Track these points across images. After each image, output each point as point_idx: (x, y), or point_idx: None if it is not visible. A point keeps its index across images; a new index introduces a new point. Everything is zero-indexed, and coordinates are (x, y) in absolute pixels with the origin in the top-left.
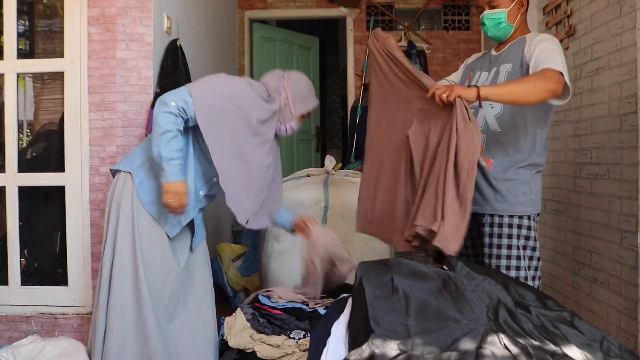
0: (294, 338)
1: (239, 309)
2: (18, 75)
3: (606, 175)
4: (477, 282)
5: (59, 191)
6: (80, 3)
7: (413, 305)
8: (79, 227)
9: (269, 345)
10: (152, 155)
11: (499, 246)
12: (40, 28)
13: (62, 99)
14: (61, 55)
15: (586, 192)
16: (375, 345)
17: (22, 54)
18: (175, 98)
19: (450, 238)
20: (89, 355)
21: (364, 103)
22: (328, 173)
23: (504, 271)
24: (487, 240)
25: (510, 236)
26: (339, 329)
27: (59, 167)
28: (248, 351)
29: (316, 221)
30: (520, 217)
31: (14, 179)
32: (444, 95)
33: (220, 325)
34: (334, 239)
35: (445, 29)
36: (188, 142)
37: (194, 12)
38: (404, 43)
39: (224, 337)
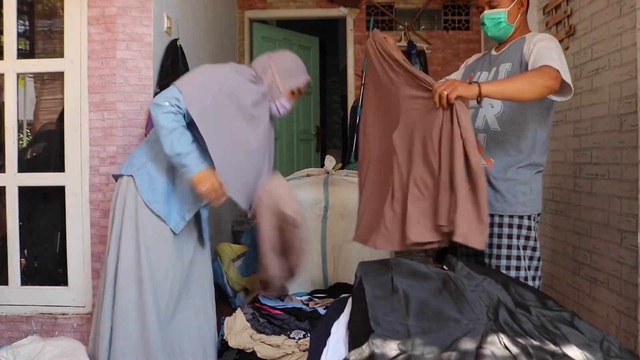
0: (294, 338)
1: (239, 309)
2: (18, 75)
3: (606, 175)
4: (477, 282)
5: (59, 191)
6: (80, 3)
7: (413, 305)
8: (79, 227)
9: (269, 345)
10: (154, 156)
11: (499, 246)
12: (40, 28)
13: (62, 99)
14: (61, 55)
15: (586, 192)
16: (375, 345)
17: (22, 54)
18: (167, 98)
19: (473, 232)
20: (90, 356)
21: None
22: (328, 173)
23: (504, 271)
24: (487, 240)
25: (510, 236)
26: (339, 329)
27: (59, 167)
28: (248, 351)
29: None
30: (521, 217)
31: (14, 179)
32: (445, 94)
33: (220, 325)
34: (284, 193)
35: (445, 29)
36: None
37: (194, 12)
38: (404, 43)
39: (224, 337)
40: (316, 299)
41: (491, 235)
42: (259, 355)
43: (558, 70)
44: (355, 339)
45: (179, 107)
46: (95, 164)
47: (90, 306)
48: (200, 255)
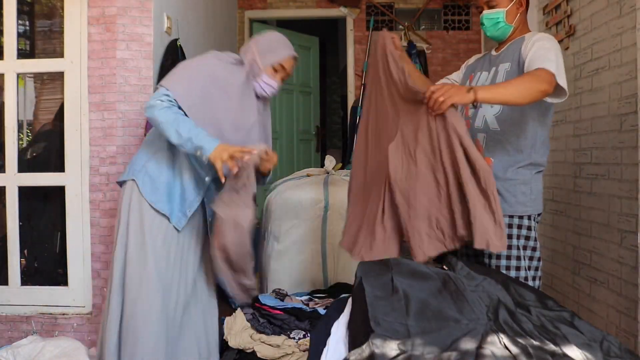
0: (294, 338)
1: (239, 309)
2: (18, 75)
3: (606, 175)
4: (477, 282)
5: (59, 191)
6: (80, 3)
7: (413, 305)
8: (79, 227)
9: (269, 345)
10: (152, 156)
11: None
12: (40, 28)
13: (60, 98)
14: (61, 55)
15: (586, 192)
16: (375, 345)
17: (22, 54)
18: (157, 97)
19: (492, 237)
20: (99, 357)
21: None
22: (328, 173)
23: (504, 271)
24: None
25: (510, 236)
26: (339, 329)
27: (59, 167)
28: (248, 351)
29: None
30: (521, 217)
31: (14, 179)
32: (440, 100)
33: (220, 325)
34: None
35: (445, 29)
36: None
37: (194, 12)
38: (404, 43)
39: (224, 337)
40: (316, 299)
41: None
42: (259, 355)
43: (553, 73)
44: (355, 339)
45: (170, 101)
46: (95, 164)
47: (91, 306)
48: (206, 255)
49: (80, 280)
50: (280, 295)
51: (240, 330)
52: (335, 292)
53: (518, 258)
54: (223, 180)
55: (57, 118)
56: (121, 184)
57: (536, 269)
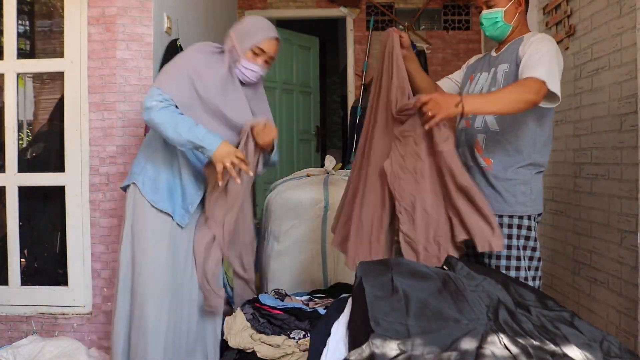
0: (294, 338)
1: (238, 309)
2: (18, 75)
3: (606, 175)
4: (477, 282)
5: (59, 191)
6: (80, 3)
7: (413, 305)
8: (79, 227)
9: (269, 345)
10: (151, 156)
11: None
12: (40, 28)
13: (56, 98)
14: (61, 55)
15: (586, 192)
16: (375, 345)
17: (22, 54)
18: (152, 99)
19: (491, 238)
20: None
21: (364, 103)
22: (328, 173)
23: (504, 271)
24: None
25: (510, 236)
26: (339, 329)
27: (59, 167)
28: (248, 351)
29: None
30: (520, 217)
31: (14, 179)
32: (429, 115)
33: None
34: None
35: (445, 29)
36: None
37: (194, 12)
38: None
39: (224, 337)
40: (316, 299)
41: None
42: (259, 355)
43: (543, 81)
44: (355, 339)
45: (166, 100)
46: (95, 164)
47: (91, 306)
48: None
49: (80, 280)
50: (279, 295)
51: (240, 330)
52: (335, 292)
53: (518, 258)
54: (220, 183)
55: (52, 118)
56: (125, 189)
57: (536, 269)
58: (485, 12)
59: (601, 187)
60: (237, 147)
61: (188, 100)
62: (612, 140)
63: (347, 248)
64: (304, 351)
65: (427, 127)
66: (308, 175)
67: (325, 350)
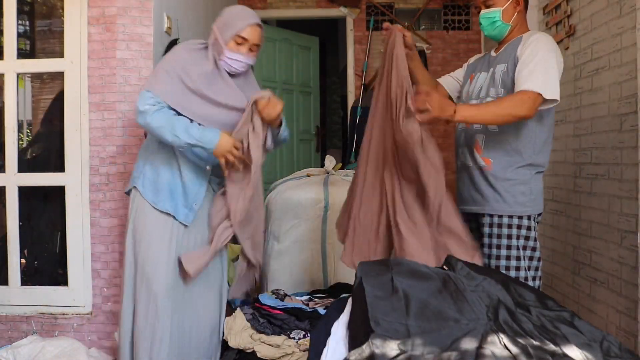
0: (294, 338)
1: (238, 309)
2: (18, 75)
3: (606, 175)
4: (477, 282)
5: (59, 191)
6: (80, 3)
7: (413, 305)
8: (79, 227)
9: (269, 345)
10: (149, 158)
11: (499, 246)
12: (40, 28)
13: (51, 98)
14: (61, 55)
15: (586, 192)
16: (375, 345)
17: (22, 54)
18: (145, 102)
19: (469, 256)
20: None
21: (364, 103)
22: (328, 173)
23: (503, 271)
24: (486, 240)
25: (509, 236)
26: (339, 329)
27: (59, 167)
28: (248, 351)
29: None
30: (520, 218)
31: (14, 179)
32: (425, 107)
33: None
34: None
35: (445, 29)
36: None
37: (194, 12)
38: None
39: (224, 337)
40: (316, 299)
41: (490, 236)
42: (259, 355)
43: (538, 94)
44: (355, 339)
45: (159, 103)
46: (95, 164)
47: (91, 306)
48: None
49: (80, 280)
50: (278, 296)
51: (240, 330)
52: (335, 292)
53: (518, 258)
54: (227, 174)
55: (51, 117)
56: (128, 194)
57: (536, 269)
58: (483, 11)
59: (601, 187)
60: (246, 120)
61: (181, 98)
62: (612, 140)
63: (346, 240)
64: (304, 351)
65: (418, 119)
66: (308, 175)
67: (325, 350)
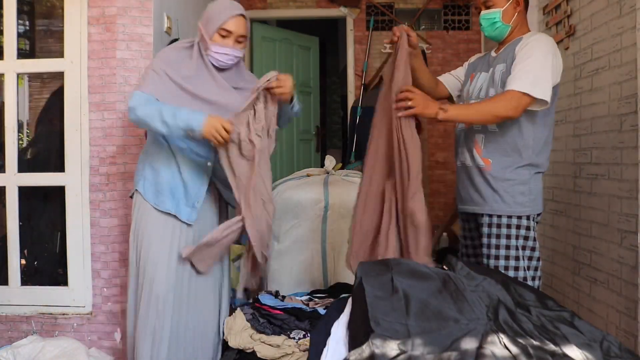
0: (294, 338)
1: (238, 309)
2: (18, 75)
3: (606, 175)
4: (477, 282)
5: (59, 191)
6: (80, 3)
7: (413, 305)
8: (79, 227)
9: (269, 345)
10: (148, 160)
11: (498, 246)
12: (40, 28)
13: (46, 98)
14: (61, 55)
15: (586, 192)
16: (375, 345)
17: (22, 54)
18: (135, 103)
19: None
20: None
21: (364, 103)
22: (328, 173)
23: (502, 271)
24: (485, 240)
25: (508, 236)
26: (339, 329)
27: (59, 167)
28: (248, 351)
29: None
30: (519, 218)
31: (14, 179)
32: (408, 104)
33: None
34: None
35: (445, 29)
36: None
37: (194, 12)
38: None
39: (224, 337)
40: (316, 299)
41: (490, 236)
42: (259, 355)
43: (524, 93)
44: (355, 339)
45: (147, 99)
46: (95, 164)
47: (91, 306)
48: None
49: (80, 280)
50: (278, 296)
51: (240, 330)
52: (335, 292)
53: (517, 258)
54: (225, 163)
55: (47, 117)
56: (131, 198)
57: (535, 269)
58: (483, 12)
59: (601, 187)
60: (248, 106)
61: (170, 96)
62: (612, 140)
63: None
64: (304, 351)
65: (399, 114)
66: (308, 175)
67: (325, 350)
